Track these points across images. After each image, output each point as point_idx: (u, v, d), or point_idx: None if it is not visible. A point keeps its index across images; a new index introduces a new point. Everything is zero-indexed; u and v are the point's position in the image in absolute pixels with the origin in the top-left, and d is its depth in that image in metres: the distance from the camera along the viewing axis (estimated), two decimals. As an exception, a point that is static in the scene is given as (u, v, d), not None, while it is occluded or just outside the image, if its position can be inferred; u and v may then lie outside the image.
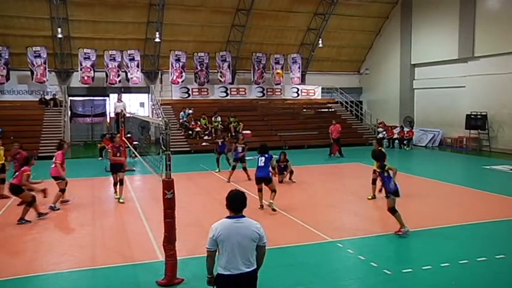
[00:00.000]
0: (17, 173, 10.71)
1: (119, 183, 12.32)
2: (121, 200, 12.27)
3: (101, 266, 7.81)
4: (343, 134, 23.19)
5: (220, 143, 17.46)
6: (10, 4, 24.04)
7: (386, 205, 9.11)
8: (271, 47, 30.05)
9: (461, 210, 11.47)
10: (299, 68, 30.72)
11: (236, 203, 4.63)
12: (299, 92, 31.30)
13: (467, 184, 14.74)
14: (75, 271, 7.58)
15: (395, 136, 26.35)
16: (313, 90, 31.63)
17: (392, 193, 8.97)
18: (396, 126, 27.22)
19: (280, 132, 26.56)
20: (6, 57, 25.11)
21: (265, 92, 30.52)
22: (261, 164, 11.02)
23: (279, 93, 30.89)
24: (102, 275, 7.43)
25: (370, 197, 12.21)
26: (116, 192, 12.59)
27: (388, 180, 9.08)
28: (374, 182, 12.01)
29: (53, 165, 11.49)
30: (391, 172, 9.26)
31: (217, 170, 17.13)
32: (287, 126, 27.29)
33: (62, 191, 11.61)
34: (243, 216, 4.65)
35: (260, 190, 11.14)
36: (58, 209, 11.45)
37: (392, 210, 9.01)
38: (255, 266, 4.62)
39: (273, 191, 11.03)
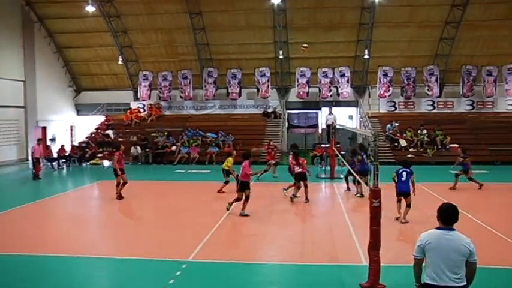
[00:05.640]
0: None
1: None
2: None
3: (309, 262, 8.64)
4: None
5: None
6: (243, 35, 29.67)
7: None
8: (483, 59, 29.62)
9: None
10: (517, 79, 29.54)
11: (447, 216, 4.72)
12: (516, 105, 29.98)
13: None
14: (287, 264, 8.67)
15: None
16: (534, 103, 29.87)
17: None
18: None
19: (492, 146, 25.89)
20: (240, 77, 30.99)
21: (475, 105, 30.08)
22: (404, 178, 11.41)
23: (491, 106, 30.03)
24: (310, 271, 8.22)
25: None
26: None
27: None
28: None
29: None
30: None
31: None
32: (500, 140, 26.28)
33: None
34: (453, 230, 4.70)
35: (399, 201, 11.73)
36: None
37: None
38: (465, 283, 4.62)
39: (408, 205, 11.44)
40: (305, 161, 15.19)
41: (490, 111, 30.00)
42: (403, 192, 11.44)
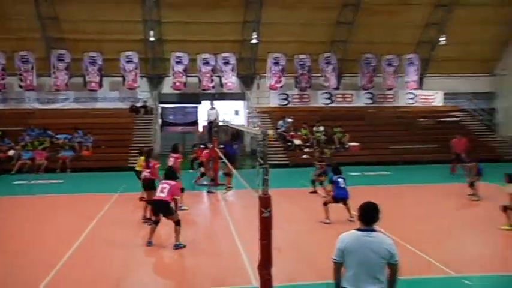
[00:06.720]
0: None
1: None
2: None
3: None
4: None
5: None
6: (104, 9, 27.79)
7: None
8: (383, 47, 30.91)
9: None
10: (416, 70, 31.47)
11: (367, 215, 4.95)
12: (415, 99, 31.99)
13: None
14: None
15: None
16: (432, 96, 32.17)
17: None
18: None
19: (392, 145, 27.13)
20: (100, 63, 29.10)
21: (375, 98, 31.57)
22: (342, 185, 13.06)
23: (392, 99, 31.83)
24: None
25: (506, 227, 11.72)
26: None
27: None
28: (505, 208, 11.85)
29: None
30: None
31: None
32: (401, 138, 27.82)
33: None
34: (374, 230, 4.92)
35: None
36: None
37: None
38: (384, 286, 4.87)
39: (348, 209, 12.88)
40: (157, 165, 13.71)
41: (390, 106, 31.66)
42: (344, 198, 12.94)
